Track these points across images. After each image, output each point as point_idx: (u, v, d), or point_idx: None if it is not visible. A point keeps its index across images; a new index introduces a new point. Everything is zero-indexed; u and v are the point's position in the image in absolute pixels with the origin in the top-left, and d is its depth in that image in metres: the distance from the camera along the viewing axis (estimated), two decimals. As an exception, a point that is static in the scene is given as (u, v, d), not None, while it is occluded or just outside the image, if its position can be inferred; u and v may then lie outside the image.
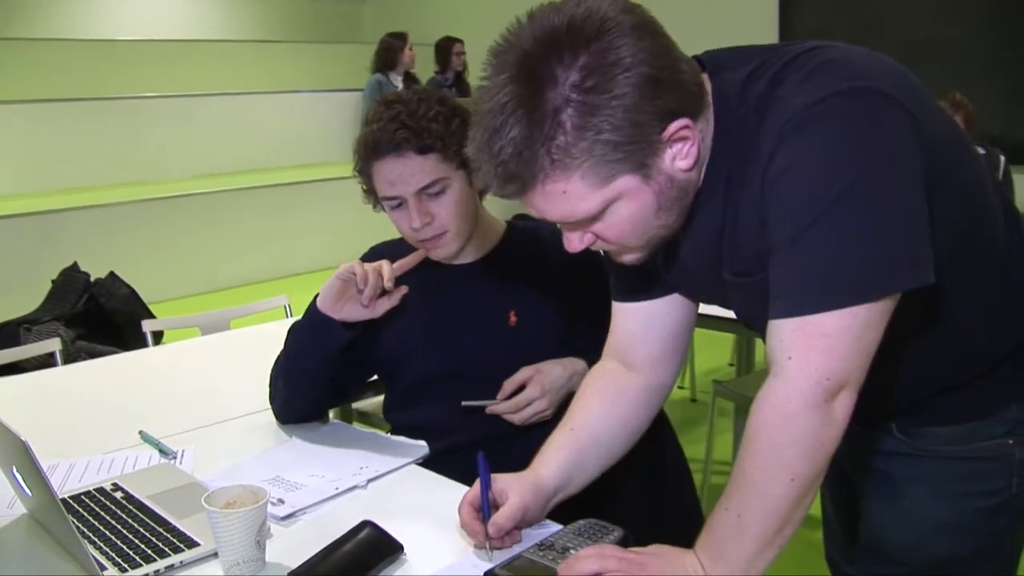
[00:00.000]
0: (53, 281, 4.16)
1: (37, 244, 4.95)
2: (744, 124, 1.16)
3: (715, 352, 4.69)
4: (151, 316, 3.72)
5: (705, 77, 1.18)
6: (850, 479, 1.46)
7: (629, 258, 1.25)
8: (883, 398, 1.31)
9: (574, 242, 1.21)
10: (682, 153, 1.13)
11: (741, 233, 1.20)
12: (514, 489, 1.37)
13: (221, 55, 8.13)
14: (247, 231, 5.86)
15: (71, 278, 4.05)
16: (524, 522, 1.37)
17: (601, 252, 1.30)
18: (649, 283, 1.41)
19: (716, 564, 1.15)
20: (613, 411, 1.47)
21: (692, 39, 1.26)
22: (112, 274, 4.11)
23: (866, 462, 1.41)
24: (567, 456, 1.43)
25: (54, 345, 2.65)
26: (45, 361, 2.78)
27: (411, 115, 1.71)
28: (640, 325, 1.45)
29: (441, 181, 1.72)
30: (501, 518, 1.33)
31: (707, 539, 1.17)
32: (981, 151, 4.26)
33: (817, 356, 1.08)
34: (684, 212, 1.21)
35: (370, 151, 1.73)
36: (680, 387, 4.57)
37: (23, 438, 1.21)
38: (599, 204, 1.13)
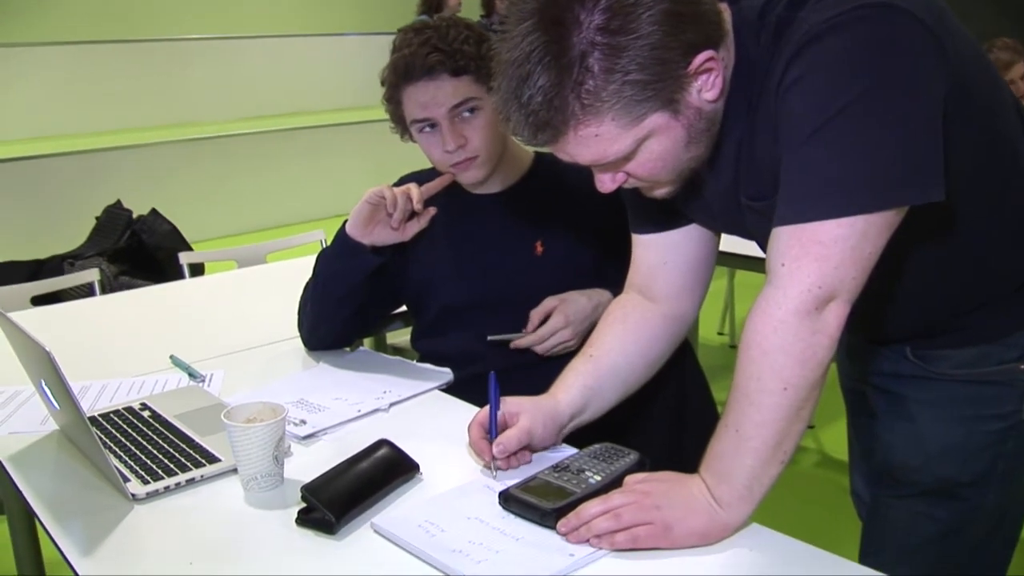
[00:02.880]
0: (97, 218, 4.22)
1: (82, 182, 5.01)
2: (763, 47, 1.15)
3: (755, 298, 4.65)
4: (191, 252, 3.76)
5: (724, 6, 1.17)
6: (872, 407, 1.46)
7: (660, 192, 1.25)
8: (898, 320, 1.34)
9: (606, 183, 1.21)
10: (708, 84, 1.13)
11: (757, 154, 1.19)
12: (526, 412, 1.37)
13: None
14: (286, 172, 5.90)
15: (114, 215, 4.10)
16: (532, 445, 1.38)
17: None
18: (666, 214, 1.41)
19: (720, 484, 1.14)
20: (634, 340, 1.46)
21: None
22: (154, 211, 4.16)
23: (881, 384, 1.43)
24: (584, 381, 1.43)
25: (92, 276, 2.69)
26: (86, 293, 2.82)
27: (442, 39, 1.71)
28: (658, 257, 1.45)
29: (473, 100, 1.71)
30: (506, 439, 1.34)
31: (709, 459, 1.17)
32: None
33: (810, 263, 1.08)
34: (712, 143, 1.21)
35: (401, 75, 1.72)
36: (720, 333, 4.55)
37: (47, 349, 1.23)
38: (631, 144, 1.13)
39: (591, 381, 1.43)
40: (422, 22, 1.81)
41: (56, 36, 6.20)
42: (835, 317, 1.09)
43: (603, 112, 1.09)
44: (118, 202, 4.24)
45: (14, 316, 1.98)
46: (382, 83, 1.80)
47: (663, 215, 1.41)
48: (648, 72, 1.07)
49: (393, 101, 1.77)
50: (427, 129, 1.74)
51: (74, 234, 4.24)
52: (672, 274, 1.45)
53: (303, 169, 5.94)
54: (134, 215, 4.15)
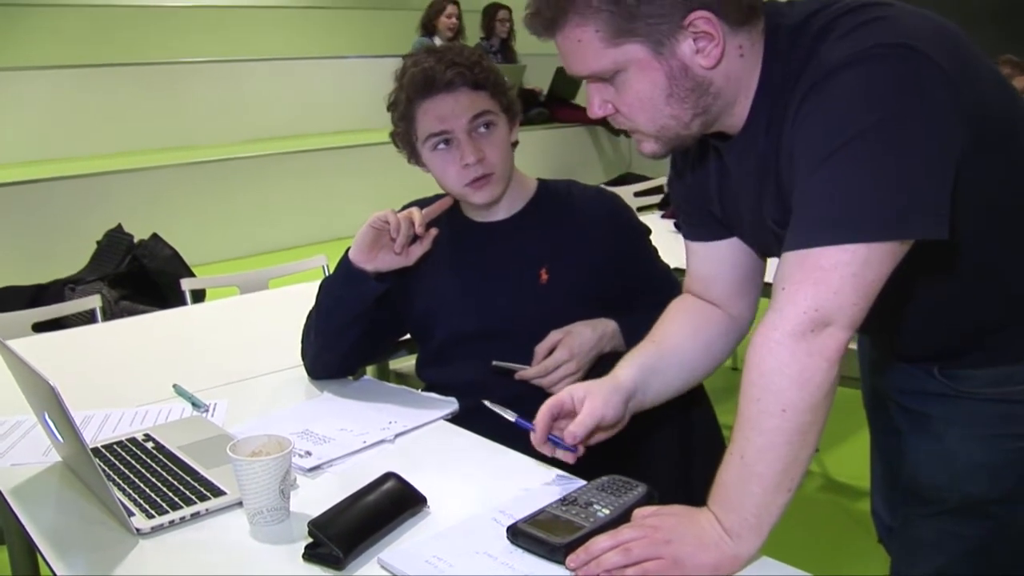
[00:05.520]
0: (98, 242, 4.22)
1: (83, 206, 5.01)
2: (788, 74, 1.18)
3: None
4: (192, 277, 3.76)
5: (762, 21, 1.21)
6: (896, 426, 1.49)
7: (646, 147, 1.29)
8: (924, 340, 1.36)
9: (594, 107, 1.26)
10: (704, 51, 1.17)
11: (782, 180, 1.22)
12: (591, 394, 1.38)
13: (268, 21, 8.14)
14: (288, 196, 5.89)
15: (115, 239, 4.10)
16: (603, 424, 1.37)
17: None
18: (711, 225, 1.44)
19: (728, 515, 1.14)
20: (698, 330, 1.48)
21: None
22: (155, 235, 4.15)
23: (906, 403, 1.45)
24: (644, 361, 1.43)
25: (94, 302, 2.69)
26: (87, 319, 2.82)
27: (459, 54, 1.75)
28: (708, 265, 1.48)
29: (490, 115, 1.75)
30: (577, 426, 1.34)
31: (717, 489, 1.17)
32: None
33: (809, 287, 1.09)
34: (702, 115, 1.23)
35: (419, 89, 1.73)
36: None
37: (52, 383, 1.22)
38: (609, 65, 1.18)
39: (652, 361, 1.44)
40: (429, 45, 1.83)
41: (56, 60, 6.22)
42: (833, 341, 1.09)
43: (590, 19, 1.16)
44: (119, 226, 4.24)
45: (16, 343, 1.98)
46: (388, 107, 1.80)
47: (708, 226, 1.45)
48: (641, 1, 1.13)
49: (406, 118, 1.77)
50: (442, 146, 1.75)
51: (75, 258, 4.23)
52: (724, 282, 1.48)
53: (304, 192, 5.94)
54: (135, 239, 4.15)
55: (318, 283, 1.88)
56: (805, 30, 1.18)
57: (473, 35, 7.75)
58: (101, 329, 2.54)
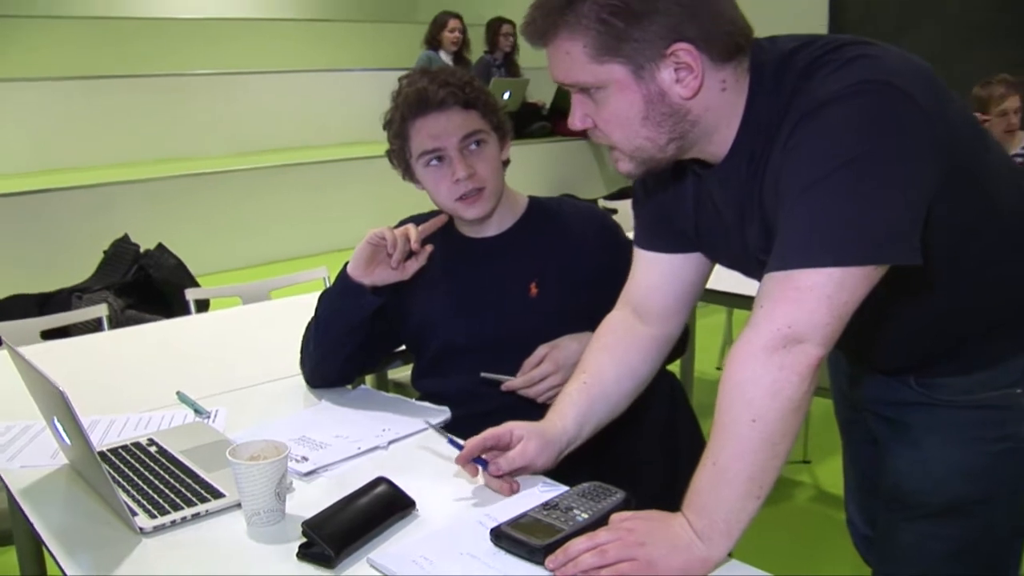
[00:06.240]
0: (105, 252, 4.29)
1: (90, 216, 5.08)
2: (773, 108, 1.25)
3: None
4: (197, 286, 3.83)
5: (748, 58, 1.28)
6: (875, 436, 1.57)
7: (621, 166, 1.36)
8: (901, 354, 1.45)
9: (575, 119, 1.33)
10: (684, 81, 1.24)
11: (766, 209, 1.28)
12: (529, 438, 1.48)
13: (272, 33, 8.22)
14: (290, 207, 5.96)
15: (122, 249, 4.18)
16: (529, 468, 1.48)
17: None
18: (675, 237, 1.51)
19: (700, 519, 1.21)
20: (624, 364, 1.57)
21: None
22: (160, 245, 4.23)
23: (885, 412, 1.53)
24: (578, 411, 1.53)
25: (101, 311, 2.75)
26: (94, 327, 2.89)
27: (452, 75, 1.83)
28: (660, 275, 1.55)
29: (481, 133, 1.82)
30: (507, 460, 1.45)
31: (690, 495, 1.23)
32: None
33: (784, 305, 1.17)
34: (678, 139, 1.30)
35: (413, 108, 1.81)
36: (719, 368, 4.60)
37: (61, 389, 1.29)
38: (591, 80, 1.26)
39: (584, 408, 1.53)
40: (434, 58, 1.92)
41: (62, 71, 6.29)
42: (806, 357, 1.16)
43: (579, 35, 1.24)
44: (125, 236, 4.32)
45: (25, 350, 2.05)
46: (384, 125, 1.88)
47: (672, 237, 1.51)
48: (629, 25, 1.21)
49: (401, 136, 1.85)
50: (434, 162, 1.83)
51: (81, 267, 4.30)
52: (669, 294, 1.56)
53: (306, 204, 6.01)
54: (141, 249, 4.22)
55: (318, 294, 1.95)
56: (790, 67, 1.25)
57: (477, 49, 7.82)
58: (107, 337, 2.61)
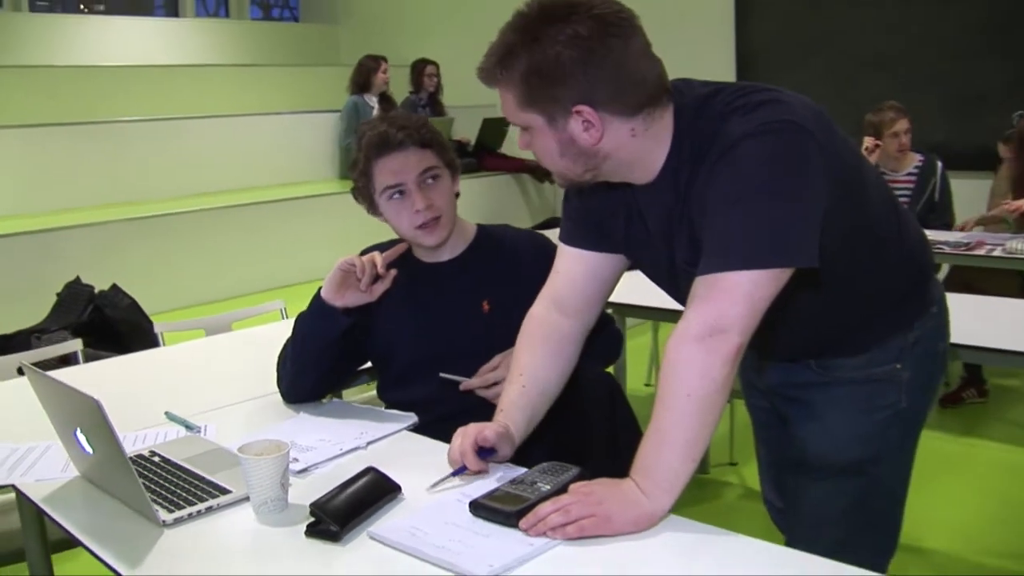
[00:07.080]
0: (58, 294, 4.40)
1: (40, 259, 5.16)
2: (696, 143, 1.53)
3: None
4: (151, 324, 3.97)
5: (665, 105, 1.55)
6: (782, 416, 1.85)
7: (557, 180, 1.65)
8: (802, 342, 1.74)
9: (521, 141, 1.60)
10: (590, 131, 1.50)
11: (694, 227, 1.55)
12: (501, 443, 1.70)
13: (203, 79, 8.33)
14: (237, 247, 6.09)
15: (75, 290, 4.30)
16: (497, 459, 1.72)
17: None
18: (602, 240, 1.75)
19: (645, 479, 1.46)
20: (556, 359, 1.81)
21: (654, 46, 1.57)
22: (114, 286, 4.36)
23: (791, 394, 1.81)
24: (524, 414, 1.77)
25: (75, 346, 2.93)
26: (66, 363, 3.03)
27: (408, 119, 2.12)
28: (583, 271, 1.79)
29: (436, 169, 2.10)
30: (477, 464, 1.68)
31: (637, 461, 1.49)
32: (920, 157, 4.69)
33: (712, 302, 1.44)
34: (593, 170, 1.58)
35: (374, 149, 2.08)
36: (647, 384, 4.88)
37: (96, 399, 1.49)
38: (520, 122, 1.55)
39: (529, 410, 1.77)
40: (382, 115, 2.17)
41: (5, 120, 6.35)
42: (729, 345, 1.43)
43: (509, 88, 1.51)
44: (77, 278, 4.43)
45: (10, 383, 2.22)
46: (349, 167, 2.14)
47: (599, 237, 1.75)
48: (544, 87, 1.48)
49: (365, 175, 2.11)
50: (396, 196, 2.08)
51: (33, 311, 4.40)
52: (590, 289, 1.80)
53: (252, 242, 6.13)
54: (95, 290, 4.35)
55: (277, 325, 2.18)
56: (708, 110, 1.53)
57: (398, 90, 8.05)
58: (85, 369, 2.78)
